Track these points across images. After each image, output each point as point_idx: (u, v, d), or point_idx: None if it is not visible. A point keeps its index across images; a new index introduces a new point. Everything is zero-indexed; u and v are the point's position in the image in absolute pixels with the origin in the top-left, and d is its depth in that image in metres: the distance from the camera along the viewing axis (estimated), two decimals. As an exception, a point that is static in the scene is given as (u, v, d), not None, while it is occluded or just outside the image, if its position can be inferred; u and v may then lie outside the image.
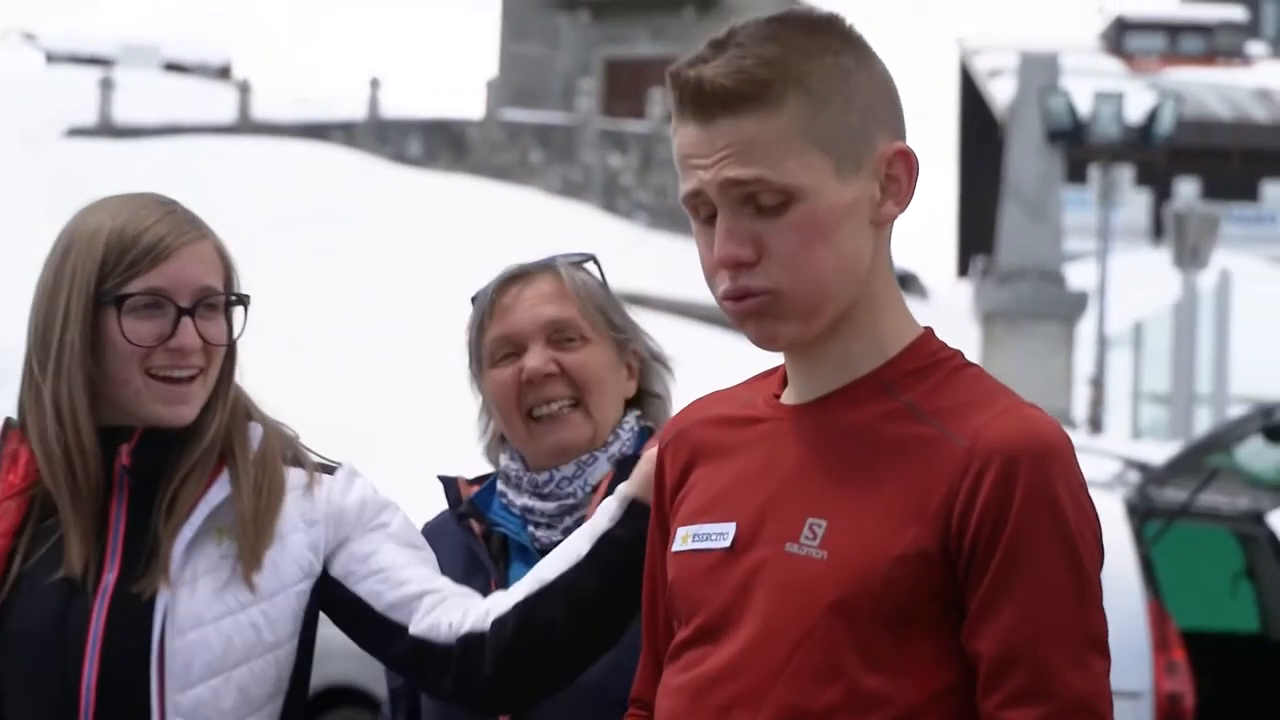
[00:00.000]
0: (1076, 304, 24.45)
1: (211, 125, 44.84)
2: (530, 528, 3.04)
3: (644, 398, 3.14)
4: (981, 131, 55.47)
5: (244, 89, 46.63)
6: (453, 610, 2.71)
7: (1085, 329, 25.43)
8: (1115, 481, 9.40)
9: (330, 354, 25.73)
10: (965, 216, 61.35)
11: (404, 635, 2.71)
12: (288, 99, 52.41)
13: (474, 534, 3.07)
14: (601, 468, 3.02)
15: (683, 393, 2.60)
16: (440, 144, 44.62)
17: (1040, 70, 25.15)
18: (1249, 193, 53.86)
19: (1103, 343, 25.64)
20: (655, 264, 36.75)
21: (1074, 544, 2.14)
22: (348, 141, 43.92)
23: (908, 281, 53.54)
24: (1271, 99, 56.29)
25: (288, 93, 55.64)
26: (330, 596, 2.78)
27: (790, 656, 2.17)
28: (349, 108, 47.43)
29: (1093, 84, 33.73)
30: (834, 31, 2.22)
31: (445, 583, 2.76)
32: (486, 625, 2.66)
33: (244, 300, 2.79)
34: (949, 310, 42.35)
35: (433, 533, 3.11)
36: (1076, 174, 38.64)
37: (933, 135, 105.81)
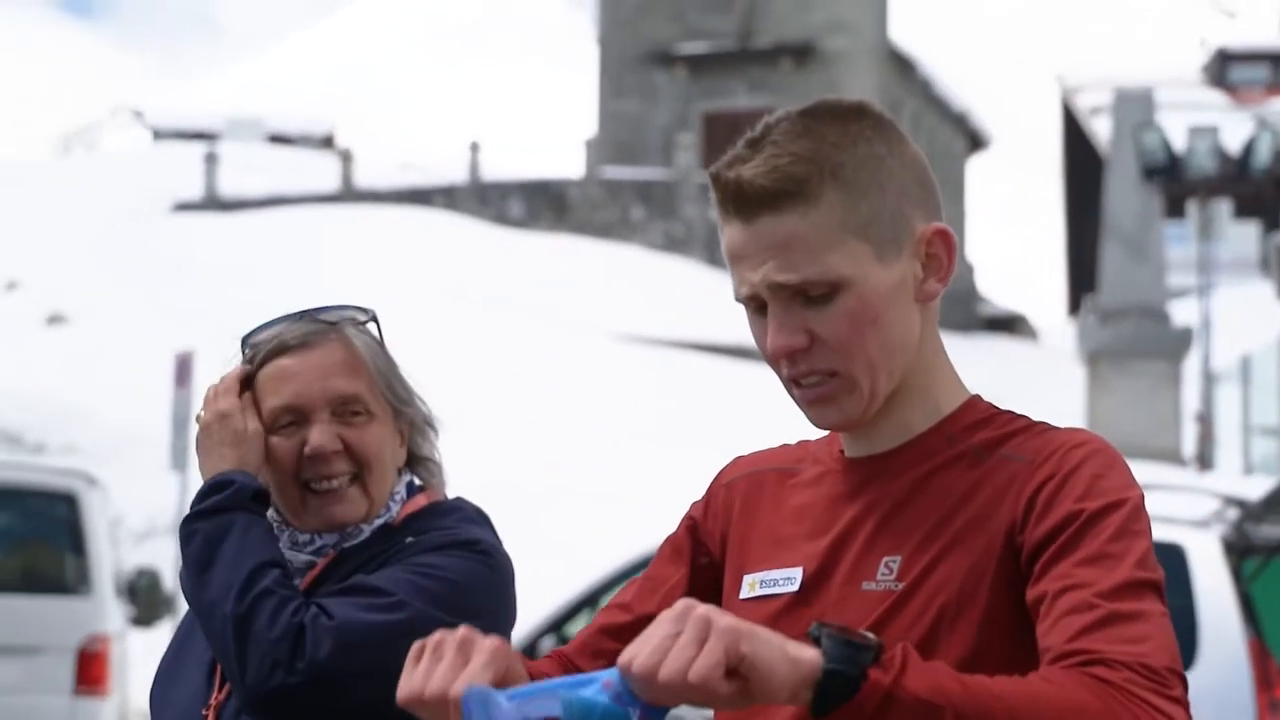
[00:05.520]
0: (1181, 340, 24.24)
1: (315, 195, 45.25)
2: None
3: (414, 460, 3.10)
4: (1087, 169, 55.16)
5: (346, 157, 47.05)
6: None
7: (1192, 365, 25.21)
8: (1213, 519, 9.34)
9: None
10: (1074, 255, 61.00)
11: None
12: (391, 165, 52.84)
13: None
14: (361, 537, 2.98)
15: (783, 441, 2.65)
16: (541, 204, 44.82)
17: (1135, 106, 24.97)
18: (1357, 221, 53.23)
19: (1209, 378, 25.40)
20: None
21: (1133, 508, 2.20)
22: (449, 205, 44.20)
23: (1016, 323, 53.21)
24: (1377, 125, 55.69)
25: (391, 159, 56.10)
26: None
27: None
28: (450, 171, 47.75)
29: (1194, 118, 33.50)
30: (864, 120, 2.32)
31: None
32: None
33: None
34: (1059, 351, 42.09)
35: None
36: (1177, 209, 38.37)
37: (1040, 173, 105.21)
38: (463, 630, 2.11)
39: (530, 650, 9.12)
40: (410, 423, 3.07)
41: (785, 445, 2.55)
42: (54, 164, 54.91)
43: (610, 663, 2.09)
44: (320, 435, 2.96)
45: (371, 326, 3.09)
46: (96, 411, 25.67)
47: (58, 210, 41.92)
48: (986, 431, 2.34)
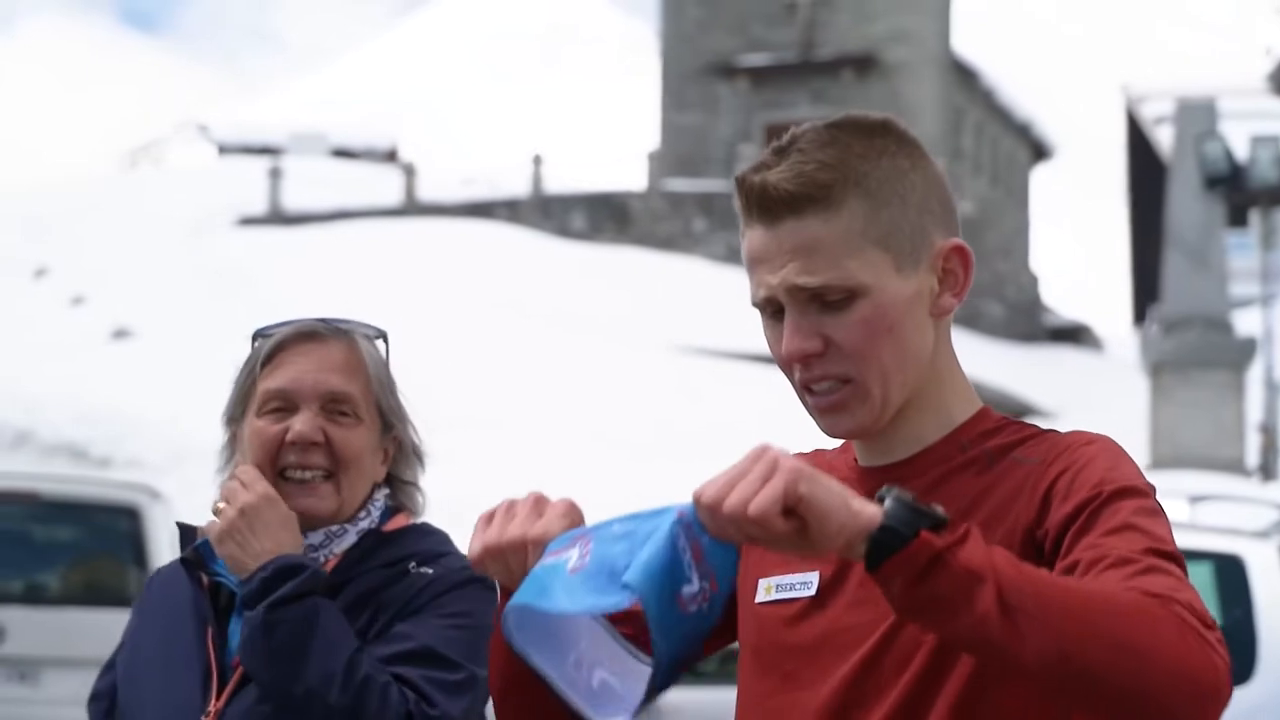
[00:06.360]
0: (1244, 350, 24.11)
1: (379, 209, 45.45)
2: None
3: (394, 482, 3.11)
4: (1151, 179, 54.92)
5: (409, 171, 47.25)
6: None
7: (1255, 375, 25.07)
8: (1273, 529, 9.33)
9: (515, 430, 25.90)
10: (1138, 265, 60.72)
11: None
12: (454, 179, 53.00)
13: (200, 583, 3.01)
14: (348, 539, 3.00)
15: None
16: (603, 217, 44.92)
17: (1198, 116, 24.87)
18: None
19: (1272, 388, 25.26)
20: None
21: (1148, 497, 2.24)
22: (512, 218, 44.33)
23: (1080, 333, 52.98)
24: None
25: (454, 173, 56.28)
26: None
27: (897, 680, 2.25)
28: (513, 184, 47.90)
29: (1257, 126, 33.31)
30: (890, 134, 2.37)
31: None
32: None
33: None
34: (1124, 362, 41.89)
35: (164, 578, 3.09)
36: (1239, 219, 38.14)
37: (1105, 183, 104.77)
38: (534, 493, 2.20)
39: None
40: (398, 443, 3.09)
41: (800, 454, 2.55)
42: (120, 178, 55.29)
43: None
44: (304, 423, 2.98)
45: (380, 345, 3.11)
46: (160, 425, 25.83)
47: (123, 225, 42.22)
48: (998, 439, 2.37)
